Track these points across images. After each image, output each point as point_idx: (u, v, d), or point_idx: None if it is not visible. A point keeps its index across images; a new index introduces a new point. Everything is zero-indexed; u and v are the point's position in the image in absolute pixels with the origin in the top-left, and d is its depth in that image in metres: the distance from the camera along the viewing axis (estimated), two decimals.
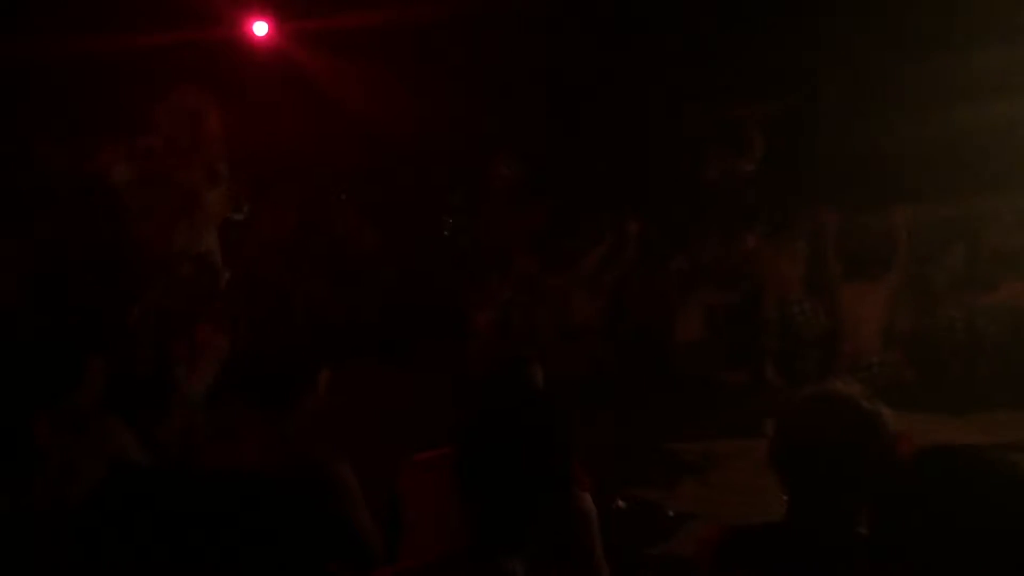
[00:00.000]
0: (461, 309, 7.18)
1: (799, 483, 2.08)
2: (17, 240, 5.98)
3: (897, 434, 2.08)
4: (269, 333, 5.35)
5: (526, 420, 2.01)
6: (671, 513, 4.46)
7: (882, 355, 6.66)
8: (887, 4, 7.37)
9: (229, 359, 3.72)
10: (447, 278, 7.78)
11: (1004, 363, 6.57)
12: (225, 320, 4.77)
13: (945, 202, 7.16)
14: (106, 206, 6.92)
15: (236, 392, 2.96)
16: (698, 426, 5.78)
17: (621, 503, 4.34)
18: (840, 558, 1.98)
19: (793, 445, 2.10)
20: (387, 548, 2.64)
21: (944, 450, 1.88)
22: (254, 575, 1.48)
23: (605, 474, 4.35)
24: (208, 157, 6.62)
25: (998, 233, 7.04)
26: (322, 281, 7.51)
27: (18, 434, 2.68)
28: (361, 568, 2.42)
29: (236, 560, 1.47)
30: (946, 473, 1.77)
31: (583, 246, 7.84)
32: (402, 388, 6.00)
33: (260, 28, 8.10)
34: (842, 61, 7.62)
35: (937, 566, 1.69)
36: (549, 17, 8.15)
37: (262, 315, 6.49)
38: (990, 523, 1.69)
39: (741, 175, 7.50)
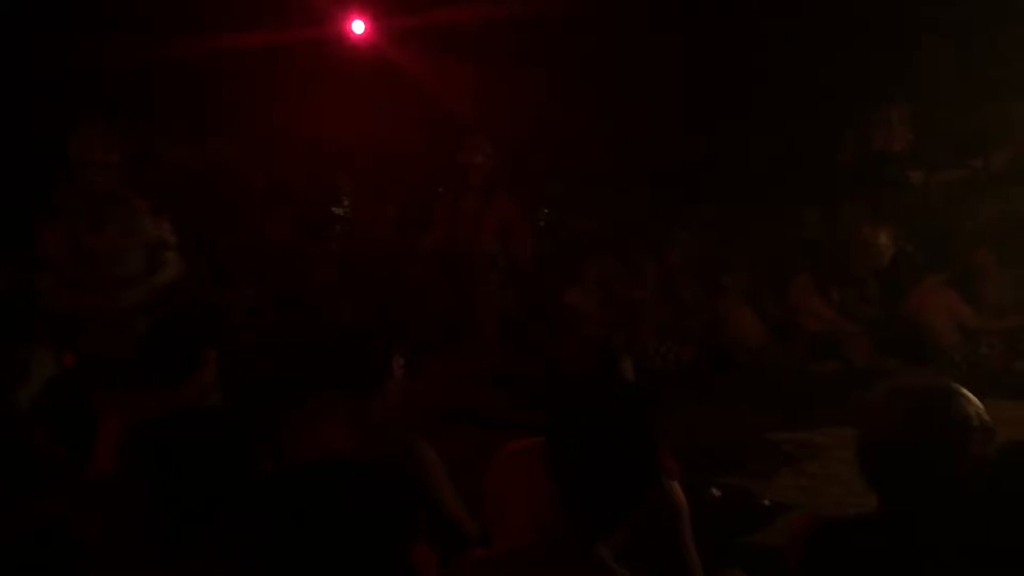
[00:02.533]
0: (556, 301, 7.26)
1: (886, 477, 2.06)
2: None
3: (986, 426, 2.03)
4: (357, 319, 5.49)
5: (614, 409, 2.07)
6: (767, 502, 4.44)
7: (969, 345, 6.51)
8: None
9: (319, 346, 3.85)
10: (544, 270, 7.85)
11: None
12: None
13: None
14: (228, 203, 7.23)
15: (322, 378, 3.08)
16: (797, 417, 5.72)
17: (716, 492, 4.34)
18: (930, 552, 1.96)
19: (879, 438, 2.07)
20: (479, 533, 2.72)
21: None
22: (348, 555, 1.55)
23: (702, 464, 4.38)
24: None
25: None
26: (419, 270, 7.66)
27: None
28: (452, 548, 2.50)
29: (329, 541, 1.54)
30: None
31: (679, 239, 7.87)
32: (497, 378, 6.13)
33: (358, 26, 8.28)
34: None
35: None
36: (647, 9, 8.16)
37: (359, 302, 6.68)
38: None
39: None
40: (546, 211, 8.93)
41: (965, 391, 2.06)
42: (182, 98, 7.79)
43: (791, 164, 7.88)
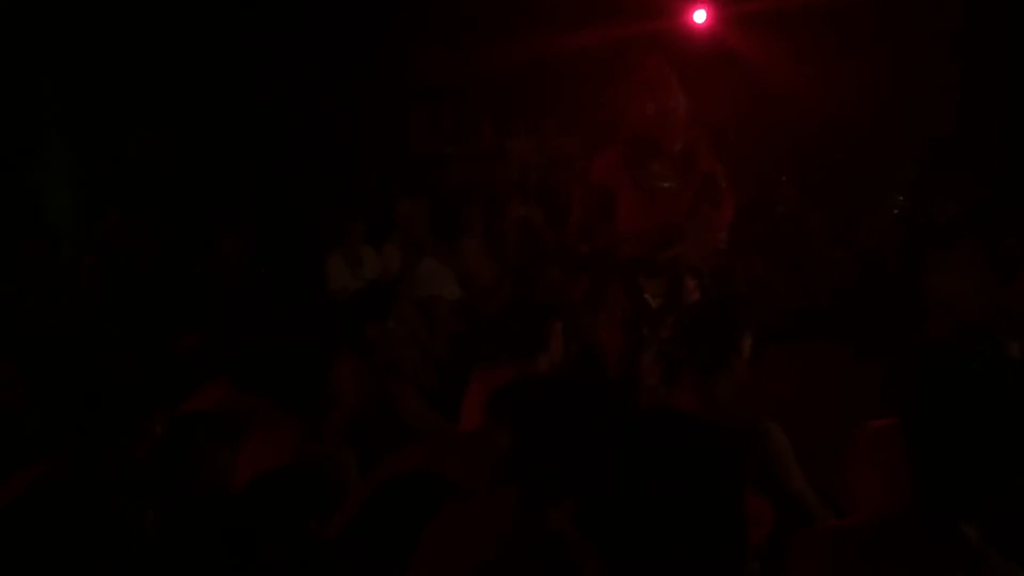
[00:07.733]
0: (918, 288, 6.83)
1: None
2: None
3: None
4: (707, 302, 5.50)
5: (992, 388, 1.93)
6: None
7: None
8: None
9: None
10: (900, 258, 7.44)
11: None
12: None
13: None
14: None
15: (676, 355, 3.18)
16: None
17: None
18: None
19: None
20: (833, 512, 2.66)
21: None
22: (685, 504, 1.59)
23: None
24: None
25: None
26: (764, 260, 7.52)
27: None
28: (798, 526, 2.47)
29: (666, 491, 1.59)
30: None
31: None
32: (857, 373, 5.89)
33: (700, 16, 8.26)
34: None
35: None
36: None
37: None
38: None
39: None
40: (900, 198, 8.46)
41: None
42: (528, 96, 8.20)
43: None
